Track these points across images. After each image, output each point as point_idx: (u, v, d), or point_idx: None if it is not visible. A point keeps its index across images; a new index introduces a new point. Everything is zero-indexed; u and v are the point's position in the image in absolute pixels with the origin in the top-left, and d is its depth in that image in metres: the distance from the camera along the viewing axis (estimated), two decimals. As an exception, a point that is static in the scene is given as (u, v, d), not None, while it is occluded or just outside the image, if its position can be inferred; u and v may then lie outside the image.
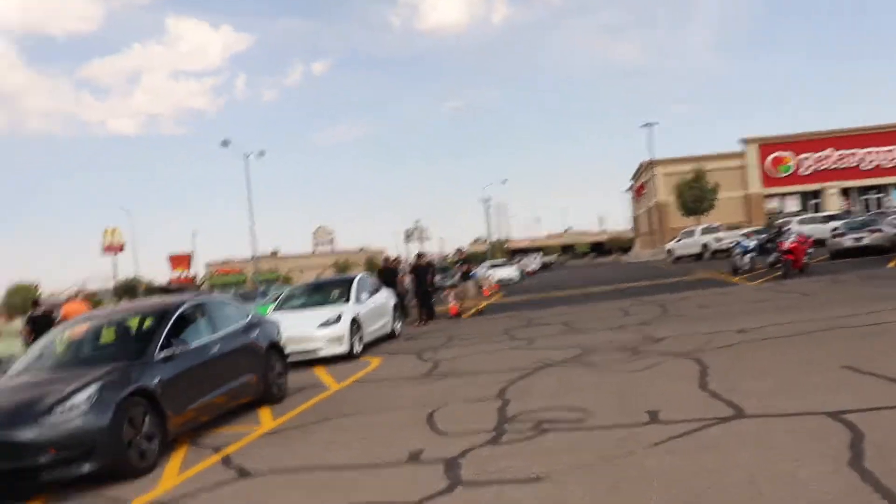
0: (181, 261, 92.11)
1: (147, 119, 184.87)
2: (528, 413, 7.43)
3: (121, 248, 74.92)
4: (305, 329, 13.64)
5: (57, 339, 9.05)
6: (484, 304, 23.57)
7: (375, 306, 16.19)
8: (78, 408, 6.58)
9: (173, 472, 6.84)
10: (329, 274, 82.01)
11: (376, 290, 17.13)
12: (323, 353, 13.55)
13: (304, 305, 15.98)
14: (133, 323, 9.09)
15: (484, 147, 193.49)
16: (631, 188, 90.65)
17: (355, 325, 14.38)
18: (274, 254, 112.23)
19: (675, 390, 7.76)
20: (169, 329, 8.31)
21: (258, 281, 59.24)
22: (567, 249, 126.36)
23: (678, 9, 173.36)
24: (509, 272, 47.24)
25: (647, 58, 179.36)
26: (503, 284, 41.51)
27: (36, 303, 16.93)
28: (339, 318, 14.07)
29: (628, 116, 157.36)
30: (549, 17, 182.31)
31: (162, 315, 8.65)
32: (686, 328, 12.57)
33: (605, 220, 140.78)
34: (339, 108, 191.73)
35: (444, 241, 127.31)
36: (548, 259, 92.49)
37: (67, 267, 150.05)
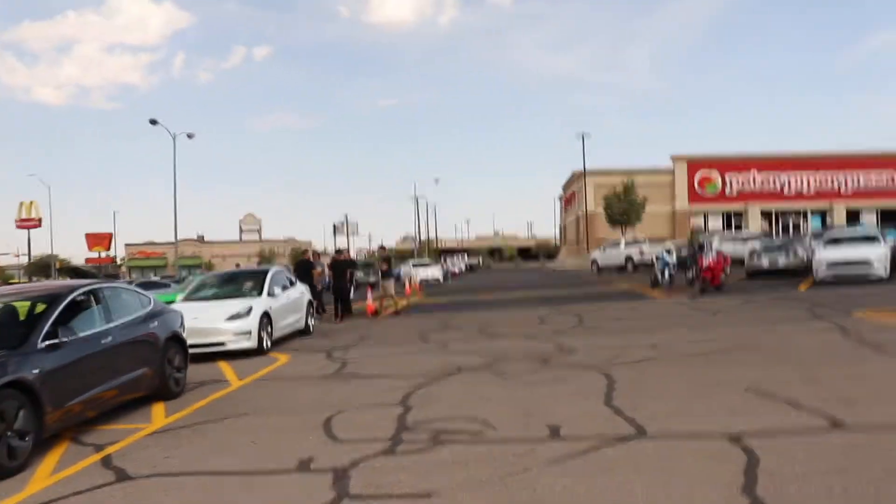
0: (100, 240, 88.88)
1: (76, 90, 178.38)
2: (428, 422, 7.21)
3: (37, 224, 71.97)
4: (213, 321, 13.18)
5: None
6: (403, 303, 23.31)
7: (289, 301, 15.78)
8: (-60, 399, 6.06)
9: (45, 473, 6.36)
10: (254, 264, 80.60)
11: (291, 285, 16.74)
12: (230, 346, 13.09)
13: (214, 296, 15.44)
14: (20, 307, 8.53)
15: (418, 146, 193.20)
16: (562, 197, 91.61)
17: (266, 319, 13.95)
18: (199, 239, 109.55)
19: (579, 405, 7.65)
20: (57, 316, 7.80)
21: (179, 266, 57.74)
22: (494, 253, 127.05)
23: (620, 27, 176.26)
24: (433, 272, 47.14)
25: (586, 71, 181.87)
26: (426, 284, 41.36)
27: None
28: (249, 312, 13.62)
29: (563, 126, 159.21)
30: (495, 24, 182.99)
31: (51, 300, 8.14)
32: (599, 340, 12.57)
33: (533, 227, 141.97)
34: (276, 96, 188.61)
35: (372, 237, 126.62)
36: (474, 261, 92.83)
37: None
